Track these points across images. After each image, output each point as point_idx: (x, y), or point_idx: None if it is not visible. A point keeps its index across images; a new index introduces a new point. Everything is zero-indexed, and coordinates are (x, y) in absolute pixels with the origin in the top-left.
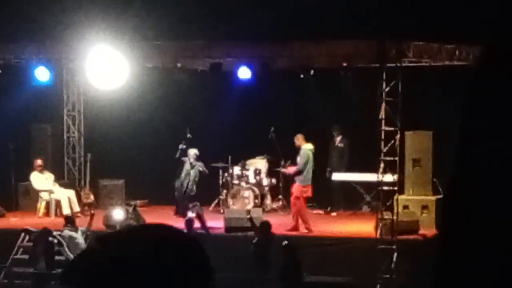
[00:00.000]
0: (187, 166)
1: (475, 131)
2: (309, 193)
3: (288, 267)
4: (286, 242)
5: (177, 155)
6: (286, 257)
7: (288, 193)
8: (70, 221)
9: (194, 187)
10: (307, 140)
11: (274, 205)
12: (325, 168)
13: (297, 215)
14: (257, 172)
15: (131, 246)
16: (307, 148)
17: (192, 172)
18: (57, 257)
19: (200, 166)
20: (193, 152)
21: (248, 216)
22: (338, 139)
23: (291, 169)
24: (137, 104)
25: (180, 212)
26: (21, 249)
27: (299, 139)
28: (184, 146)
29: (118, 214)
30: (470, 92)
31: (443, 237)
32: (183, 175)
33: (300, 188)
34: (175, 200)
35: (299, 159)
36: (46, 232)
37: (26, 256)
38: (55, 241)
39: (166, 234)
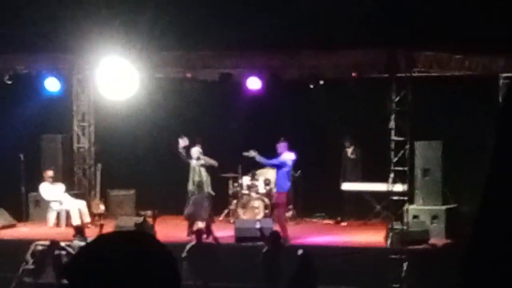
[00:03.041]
0: (193, 164)
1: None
2: (282, 199)
3: (301, 276)
4: (301, 251)
5: (183, 152)
6: (300, 267)
7: (299, 202)
8: (80, 231)
9: (209, 185)
10: (318, 149)
11: None
12: (335, 178)
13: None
14: (266, 182)
15: (97, 260)
16: (286, 156)
17: (198, 164)
18: None
19: (204, 159)
20: (194, 150)
21: (258, 226)
22: (350, 150)
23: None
24: (147, 115)
25: (191, 216)
26: (31, 260)
27: (281, 146)
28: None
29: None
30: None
31: (476, 245)
32: (191, 175)
33: (276, 195)
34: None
35: (273, 160)
36: (54, 244)
37: (33, 265)
38: (63, 253)
39: (128, 243)
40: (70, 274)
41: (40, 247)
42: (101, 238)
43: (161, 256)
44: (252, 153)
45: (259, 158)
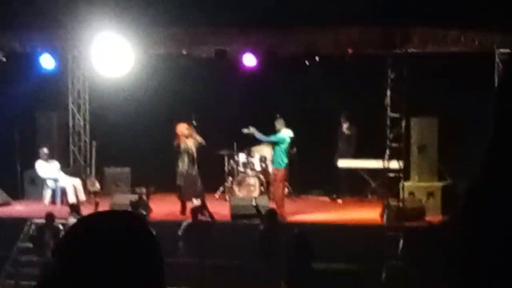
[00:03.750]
0: (183, 140)
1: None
2: (279, 176)
3: (298, 255)
4: (297, 230)
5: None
6: (297, 246)
7: (294, 179)
8: (75, 209)
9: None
10: (314, 126)
11: None
12: (330, 154)
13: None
14: (262, 159)
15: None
16: (285, 133)
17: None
18: None
19: (193, 135)
20: (182, 126)
21: (254, 204)
22: (345, 126)
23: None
24: (143, 91)
25: (186, 195)
26: (27, 237)
27: (279, 123)
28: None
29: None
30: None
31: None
32: (181, 152)
33: (273, 171)
34: (177, 185)
35: (272, 136)
36: (50, 218)
37: (32, 244)
38: (61, 226)
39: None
40: (57, 248)
41: (35, 226)
42: (88, 216)
43: (146, 236)
44: (251, 129)
45: (258, 134)
